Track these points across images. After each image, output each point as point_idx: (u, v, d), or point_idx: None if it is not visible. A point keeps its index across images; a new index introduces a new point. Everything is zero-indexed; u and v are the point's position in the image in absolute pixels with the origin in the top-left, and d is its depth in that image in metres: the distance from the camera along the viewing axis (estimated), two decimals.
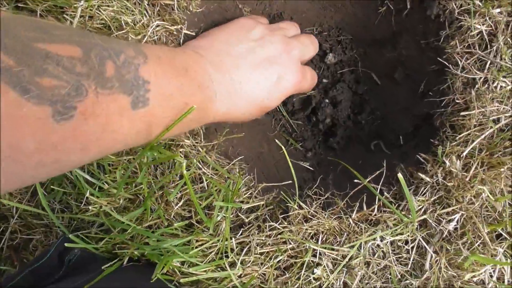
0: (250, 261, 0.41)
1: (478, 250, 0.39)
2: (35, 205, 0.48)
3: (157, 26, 0.46)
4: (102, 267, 0.39)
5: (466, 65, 0.44)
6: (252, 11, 0.56)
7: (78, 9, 0.44)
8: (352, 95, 0.59)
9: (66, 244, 0.39)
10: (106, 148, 0.29)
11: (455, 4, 0.44)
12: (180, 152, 0.45)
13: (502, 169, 0.39)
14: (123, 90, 0.28)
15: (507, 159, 0.40)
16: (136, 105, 0.29)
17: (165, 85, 0.32)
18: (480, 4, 0.43)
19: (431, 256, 0.40)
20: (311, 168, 0.56)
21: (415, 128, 0.52)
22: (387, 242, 0.41)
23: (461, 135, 0.42)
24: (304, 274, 0.40)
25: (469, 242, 0.40)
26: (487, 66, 0.43)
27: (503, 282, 0.39)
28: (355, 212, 0.42)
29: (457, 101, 0.43)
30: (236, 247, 0.42)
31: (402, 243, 0.41)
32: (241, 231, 0.43)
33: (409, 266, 0.41)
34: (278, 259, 0.41)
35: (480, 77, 0.43)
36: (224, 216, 0.41)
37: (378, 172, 0.42)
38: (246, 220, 0.44)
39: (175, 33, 0.48)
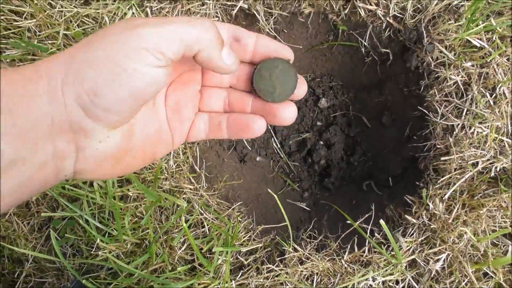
0: None
1: None
2: (48, 249, 0.51)
3: None
4: None
5: (445, 112, 0.47)
6: None
7: None
8: (345, 138, 0.62)
9: None
10: None
11: (431, 58, 0.48)
12: (183, 198, 0.48)
13: (481, 211, 0.42)
14: None
15: (487, 200, 0.42)
16: None
17: None
18: (453, 58, 0.47)
19: None
20: (307, 209, 0.59)
21: (403, 170, 0.55)
22: (379, 282, 0.43)
23: (443, 178, 0.45)
24: None
25: (456, 281, 0.42)
26: (464, 113, 0.46)
27: None
28: (346, 253, 0.44)
29: (438, 146, 0.47)
30: None
31: (393, 283, 0.44)
32: (240, 273, 0.45)
33: None
34: None
35: (458, 124, 0.46)
36: (224, 259, 0.44)
37: (367, 215, 0.45)
38: (245, 262, 0.46)
39: None
